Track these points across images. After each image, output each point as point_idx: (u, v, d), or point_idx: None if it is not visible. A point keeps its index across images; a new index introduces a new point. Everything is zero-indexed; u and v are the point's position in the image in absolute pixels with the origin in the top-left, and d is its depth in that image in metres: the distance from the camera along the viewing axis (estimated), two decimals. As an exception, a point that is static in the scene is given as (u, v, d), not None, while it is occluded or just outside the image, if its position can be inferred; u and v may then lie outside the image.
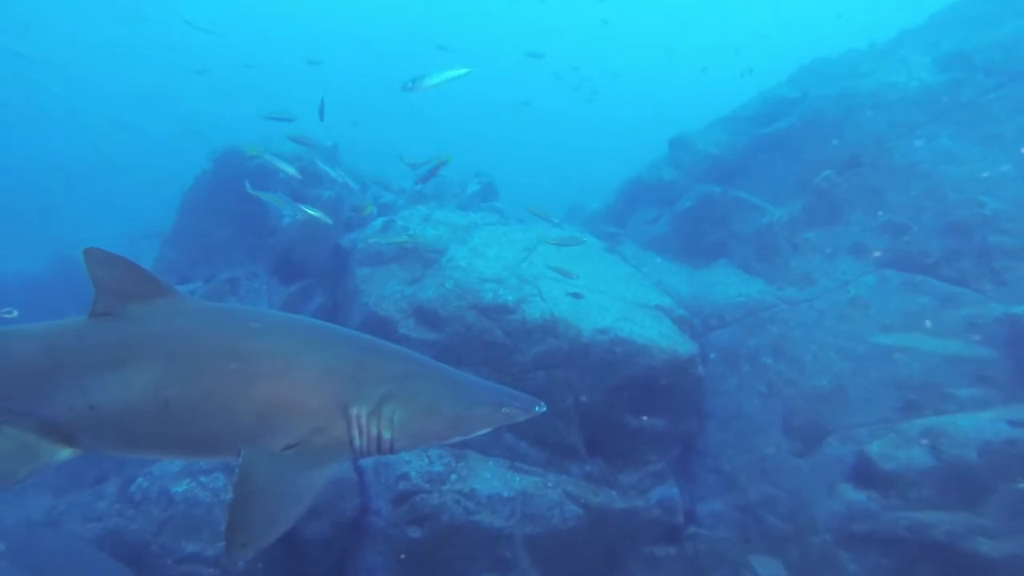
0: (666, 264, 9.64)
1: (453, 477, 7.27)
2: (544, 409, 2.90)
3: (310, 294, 8.98)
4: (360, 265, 8.69)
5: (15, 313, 7.49)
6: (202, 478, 7.12)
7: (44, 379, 2.50)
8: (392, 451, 2.66)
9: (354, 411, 2.58)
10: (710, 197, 9.45)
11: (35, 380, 2.50)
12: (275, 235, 8.64)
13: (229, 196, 8.64)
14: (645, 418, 7.78)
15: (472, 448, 7.75)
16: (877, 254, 7.69)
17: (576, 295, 7.81)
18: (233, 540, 2.22)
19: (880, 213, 7.85)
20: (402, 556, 6.72)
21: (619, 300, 8.44)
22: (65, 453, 2.49)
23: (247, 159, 8.52)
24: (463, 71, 6.40)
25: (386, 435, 2.60)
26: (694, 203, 9.56)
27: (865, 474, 6.52)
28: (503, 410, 2.80)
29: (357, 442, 2.59)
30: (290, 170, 7.59)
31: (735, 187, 9.54)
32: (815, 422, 7.23)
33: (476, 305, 7.91)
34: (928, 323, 6.92)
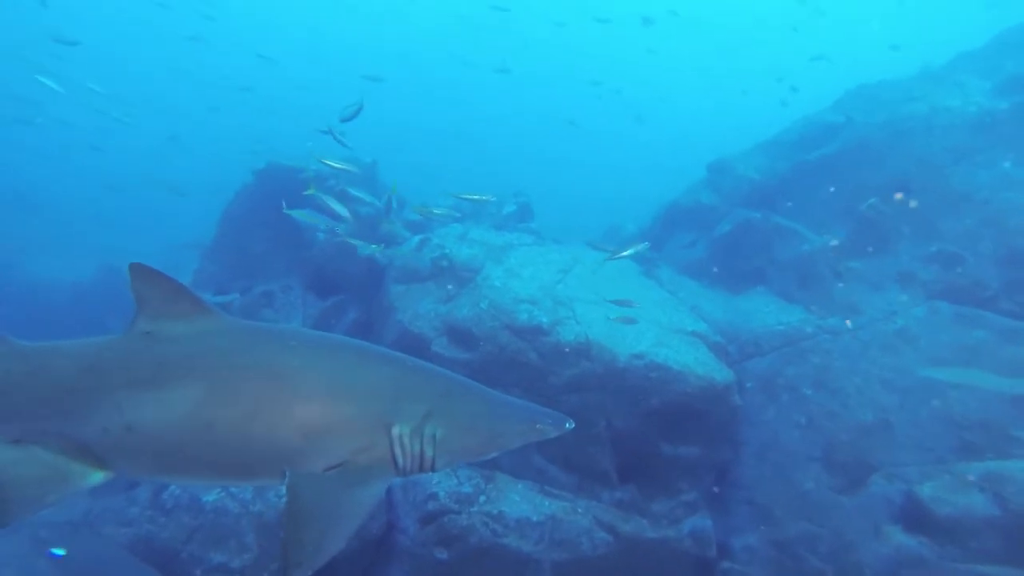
0: (702, 289, 9.47)
1: (482, 499, 7.18)
2: (573, 426, 3.01)
3: (344, 309, 9.06)
4: (395, 282, 8.75)
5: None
6: (232, 488, 7.16)
7: (81, 397, 2.45)
8: (433, 468, 2.67)
9: (396, 430, 2.60)
10: (750, 223, 9.29)
11: (72, 398, 2.46)
12: (310, 249, 8.77)
13: (268, 210, 8.81)
14: (679, 446, 7.59)
15: (501, 469, 7.66)
16: (927, 284, 7.42)
17: (629, 320, 7.70)
18: (288, 561, 2.21)
19: (931, 242, 7.59)
20: (428, 577, 6.62)
21: (655, 325, 8.30)
22: (97, 477, 2.44)
23: (288, 172, 8.69)
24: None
25: (428, 452, 2.63)
26: (733, 228, 9.40)
27: (916, 517, 6.20)
28: (537, 426, 2.90)
29: (400, 460, 2.60)
30: (335, 205, 7.63)
31: (775, 213, 9.36)
32: (859, 458, 6.94)
33: (510, 326, 7.87)
34: (986, 359, 6.60)
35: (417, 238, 9.03)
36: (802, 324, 8.16)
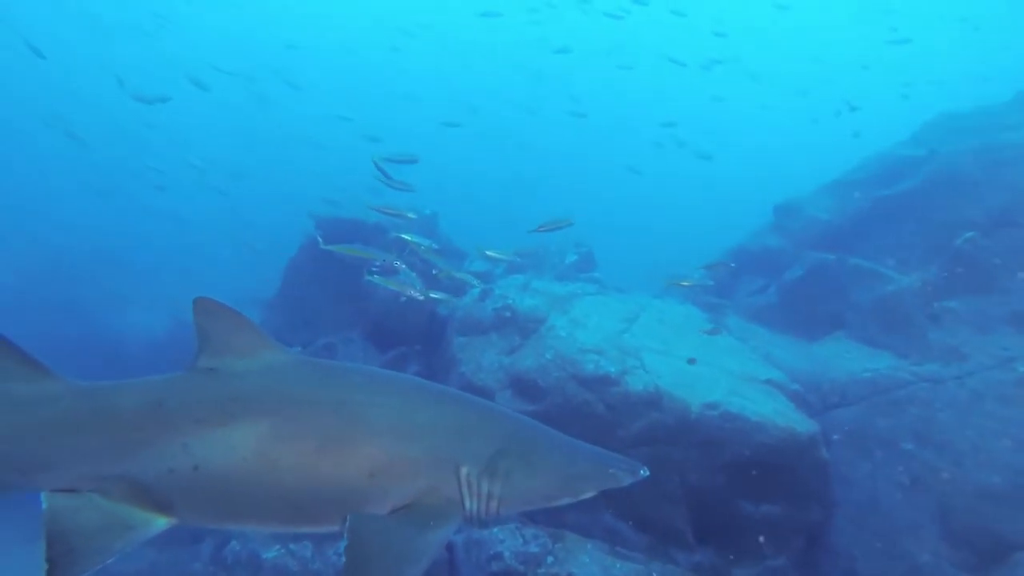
0: (775, 337, 9.01)
1: (549, 559, 6.79)
2: (647, 474, 2.88)
3: (406, 361, 9.04)
4: (458, 333, 8.71)
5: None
6: (291, 545, 7.06)
7: (146, 437, 2.38)
8: (500, 512, 2.56)
9: (465, 469, 2.51)
10: (823, 265, 8.87)
11: (136, 438, 2.39)
12: (369, 300, 8.86)
13: (330, 262, 9.01)
14: (760, 504, 7.04)
15: (569, 527, 7.28)
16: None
17: (691, 360, 7.36)
18: None
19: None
20: (494, 643, 6.24)
21: (726, 373, 7.91)
22: (160, 523, 2.35)
23: (349, 224, 8.90)
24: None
25: (496, 494, 2.52)
26: (805, 272, 9.00)
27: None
28: (610, 471, 2.76)
29: (468, 502, 2.50)
30: (381, 256, 7.74)
31: (850, 254, 8.91)
32: (987, 528, 6.17)
33: (576, 376, 7.65)
34: None
35: (479, 289, 9.02)
36: (893, 371, 7.58)
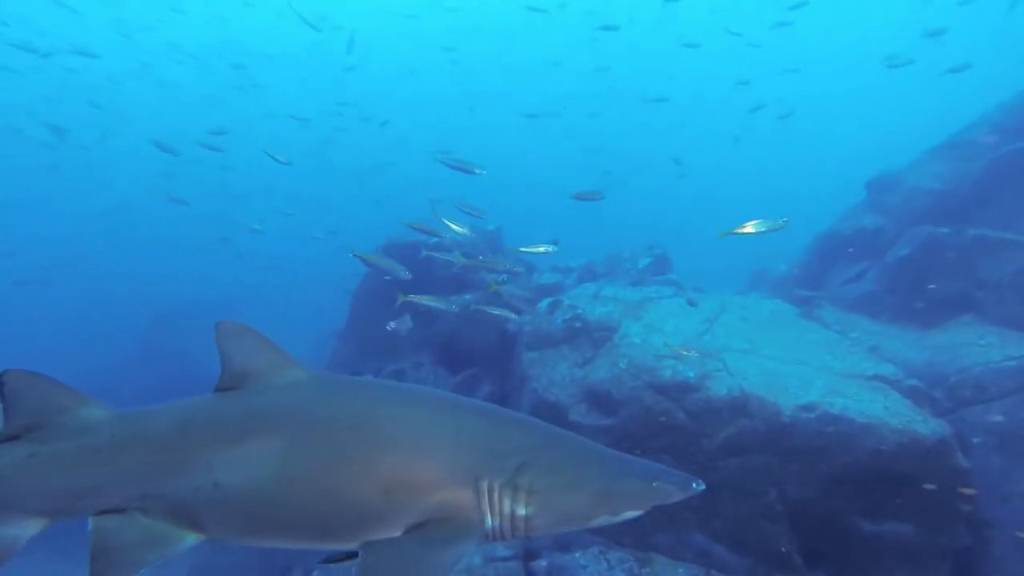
0: (881, 327, 7.92)
1: (637, 587, 6.20)
2: (703, 487, 2.53)
3: (478, 382, 8.80)
4: (527, 349, 8.37)
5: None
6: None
7: (174, 457, 2.45)
8: (528, 531, 2.37)
9: (486, 483, 2.35)
10: (936, 240, 7.71)
11: (166, 459, 2.45)
12: (437, 323, 8.72)
13: (393, 288, 9.00)
14: (883, 522, 6.06)
15: (658, 550, 6.66)
16: None
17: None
18: None
19: None
20: None
21: (824, 371, 7.01)
22: (190, 539, 2.39)
23: (410, 247, 8.87)
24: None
25: (521, 511, 2.34)
26: (913, 250, 7.86)
27: None
28: (655, 484, 2.47)
29: (489, 520, 2.34)
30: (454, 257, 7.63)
31: (973, 224, 7.69)
32: None
33: (653, 384, 7.07)
34: None
35: (548, 301, 8.67)
36: (1047, 357, 6.35)
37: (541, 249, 7.85)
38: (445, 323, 8.74)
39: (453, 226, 7.28)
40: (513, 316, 7.65)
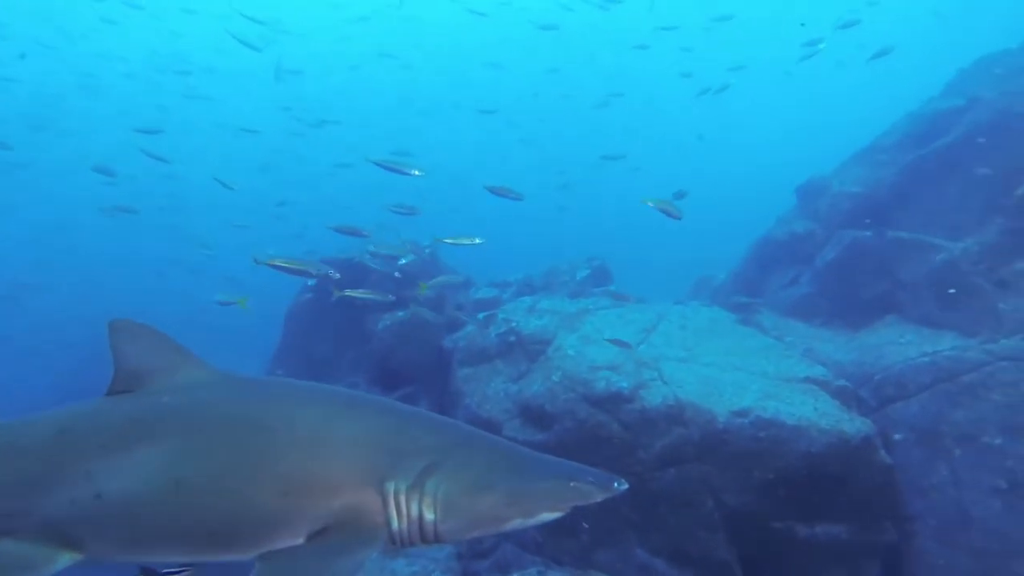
0: (815, 330, 8.01)
1: (575, 608, 5.97)
2: (625, 487, 2.43)
3: (414, 400, 8.52)
4: (461, 365, 8.16)
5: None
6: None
7: (50, 467, 2.23)
8: (437, 537, 2.26)
9: (391, 486, 2.23)
10: (860, 244, 7.86)
11: (40, 470, 2.24)
12: (371, 341, 8.44)
13: (331, 307, 8.70)
14: (817, 524, 6.01)
15: (600, 567, 6.46)
16: None
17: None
18: None
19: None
20: None
21: (759, 376, 6.99)
22: (64, 559, 2.17)
23: (344, 265, 8.59)
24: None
25: (429, 515, 2.22)
26: (839, 253, 8.00)
27: None
28: (571, 484, 2.37)
29: (395, 523, 2.21)
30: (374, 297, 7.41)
31: (890, 227, 7.87)
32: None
33: (587, 396, 6.92)
34: None
35: (482, 315, 8.48)
36: (961, 352, 6.46)
37: (466, 241, 7.66)
38: (379, 341, 8.46)
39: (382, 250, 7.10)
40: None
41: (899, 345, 6.91)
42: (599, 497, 2.39)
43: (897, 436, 6.39)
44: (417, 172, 7.16)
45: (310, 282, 7.65)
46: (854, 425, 6.00)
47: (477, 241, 7.63)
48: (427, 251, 9.49)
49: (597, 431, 6.72)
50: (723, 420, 6.24)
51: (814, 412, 6.16)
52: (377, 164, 7.05)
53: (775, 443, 6.01)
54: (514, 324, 8.22)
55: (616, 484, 2.43)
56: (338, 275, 7.33)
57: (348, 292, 7.55)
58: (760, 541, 6.11)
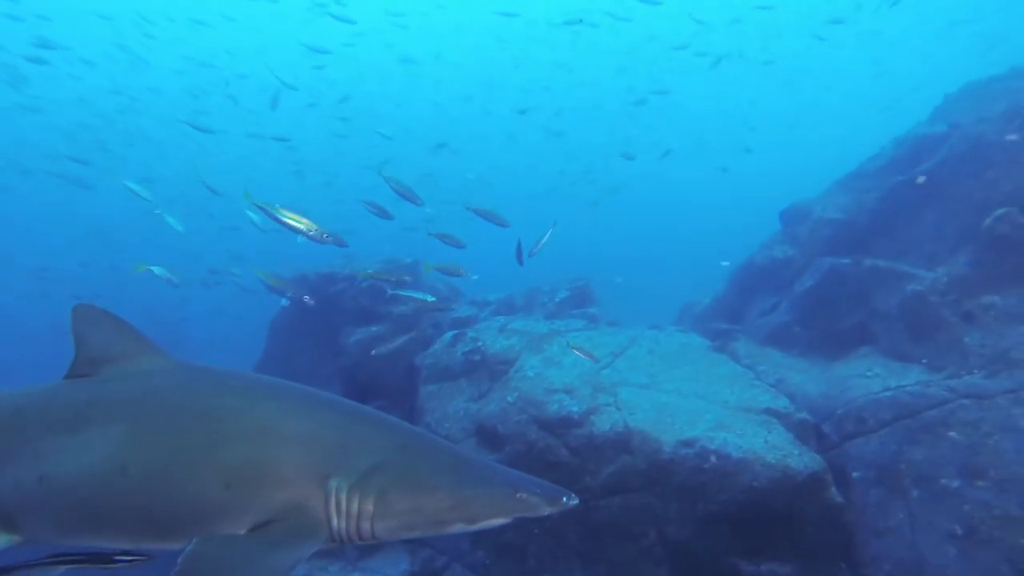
0: (791, 360, 7.72)
1: (507, 637, 5.84)
2: (575, 502, 2.40)
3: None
4: (426, 382, 8.17)
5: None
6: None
7: None
8: (375, 535, 2.25)
9: (334, 483, 2.22)
10: (837, 271, 7.58)
11: None
12: (341, 355, 8.53)
13: (311, 320, 8.86)
14: (763, 563, 5.74)
15: (540, 600, 6.30)
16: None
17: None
18: None
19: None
20: None
21: (717, 405, 6.78)
22: (2, 541, 2.23)
23: (324, 279, 8.76)
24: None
25: (368, 514, 2.22)
26: (817, 281, 7.72)
27: None
28: (518, 495, 2.33)
29: (335, 521, 2.21)
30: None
31: (870, 255, 7.57)
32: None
33: (538, 419, 6.83)
34: None
35: (451, 333, 8.49)
36: (923, 388, 6.14)
37: (459, 271, 7.70)
38: (348, 356, 8.56)
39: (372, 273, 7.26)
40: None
41: (865, 378, 6.61)
42: (546, 510, 2.35)
43: (855, 474, 6.09)
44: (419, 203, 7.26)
45: (283, 301, 7.80)
46: (802, 461, 5.73)
47: (463, 273, 7.71)
48: (410, 265, 9.59)
49: (546, 454, 6.61)
50: (669, 450, 6.06)
51: (763, 445, 5.93)
52: (474, 211, 7.24)
53: (719, 475, 5.79)
54: (480, 344, 8.19)
55: (565, 499, 2.39)
56: (312, 300, 7.47)
57: (400, 292, 7.74)
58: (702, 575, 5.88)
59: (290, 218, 6.06)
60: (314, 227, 6.09)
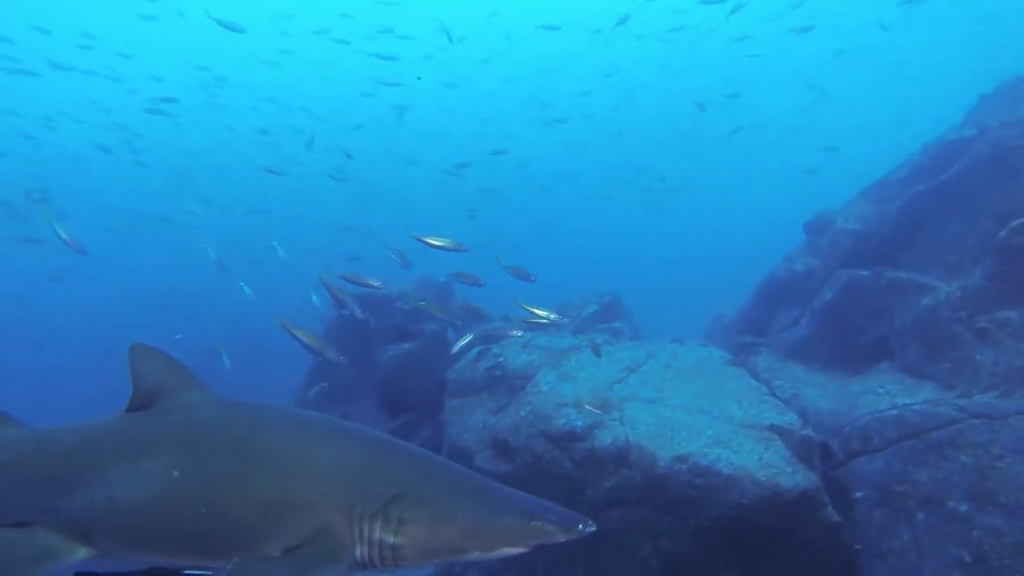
0: (810, 375, 7.59)
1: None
2: (592, 529, 2.49)
3: (414, 428, 9.13)
4: (450, 396, 8.65)
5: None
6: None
7: (76, 473, 2.57)
8: (396, 562, 2.41)
9: (359, 511, 2.41)
10: (857, 284, 7.40)
11: (67, 475, 2.58)
12: (375, 370, 9.16)
13: (352, 333, 9.57)
14: (756, 581, 5.77)
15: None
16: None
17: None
18: None
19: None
20: None
21: (723, 421, 6.82)
22: (80, 553, 2.48)
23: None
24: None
25: (389, 541, 2.38)
26: (836, 294, 7.56)
27: None
28: (533, 523, 2.43)
29: (359, 547, 2.40)
30: None
31: (895, 267, 7.35)
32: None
33: (546, 432, 7.15)
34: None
35: (476, 350, 8.93)
36: (932, 407, 5.94)
37: (543, 314, 8.05)
38: (383, 371, 9.19)
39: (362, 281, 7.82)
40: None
41: (876, 395, 6.45)
42: (561, 537, 2.45)
43: (859, 494, 5.99)
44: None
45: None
46: (793, 479, 5.72)
47: (555, 318, 8.15)
48: (442, 285, 10.14)
49: (551, 467, 6.91)
50: (664, 465, 6.20)
51: (757, 462, 5.96)
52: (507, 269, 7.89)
53: (710, 491, 5.89)
54: (502, 359, 8.59)
55: (581, 526, 2.49)
56: (344, 359, 7.84)
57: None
58: (697, 591, 5.97)
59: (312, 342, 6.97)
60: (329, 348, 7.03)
